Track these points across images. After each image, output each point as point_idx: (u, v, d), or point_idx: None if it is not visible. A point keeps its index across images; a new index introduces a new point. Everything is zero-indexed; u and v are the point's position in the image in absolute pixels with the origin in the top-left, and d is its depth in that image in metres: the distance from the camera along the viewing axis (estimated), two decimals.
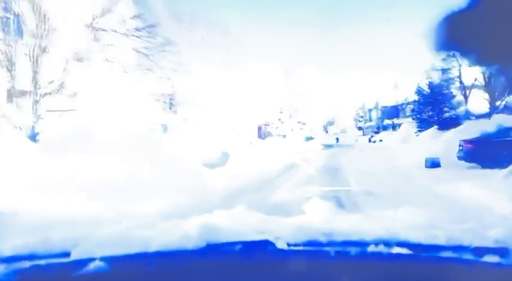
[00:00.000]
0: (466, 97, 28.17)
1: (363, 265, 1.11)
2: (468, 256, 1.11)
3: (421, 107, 29.61)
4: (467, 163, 12.43)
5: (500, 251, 1.11)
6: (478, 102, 27.50)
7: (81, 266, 1.05)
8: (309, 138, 43.21)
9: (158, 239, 1.16)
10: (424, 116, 28.86)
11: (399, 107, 44.99)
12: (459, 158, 12.68)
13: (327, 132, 74.15)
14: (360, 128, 70.79)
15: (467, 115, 27.06)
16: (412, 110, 36.73)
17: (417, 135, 29.54)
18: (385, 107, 49.49)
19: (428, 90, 29.86)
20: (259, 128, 34.62)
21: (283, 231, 1.21)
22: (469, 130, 15.13)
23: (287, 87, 34.42)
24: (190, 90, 20.58)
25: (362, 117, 67.60)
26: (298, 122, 33.80)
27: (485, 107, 26.89)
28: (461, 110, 27.85)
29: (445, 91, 29.60)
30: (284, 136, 33.56)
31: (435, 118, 27.48)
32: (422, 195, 8.22)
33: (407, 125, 32.54)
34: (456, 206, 6.76)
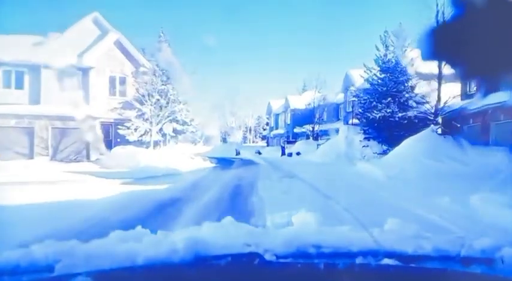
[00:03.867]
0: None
1: (352, 277, 1.09)
2: (455, 266, 1.13)
3: (371, 100, 18.26)
4: None
5: (487, 262, 1.12)
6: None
7: None
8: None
9: (145, 252, 1.13)
10: (378, 114, 17.50)
11: (320, 109, 34.24)
12: None
13: (225, 141, 61.34)
14: (264, 137, 59.45)
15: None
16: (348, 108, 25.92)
17: (365, 145, 18.20)
18: (297, 110, 38.64)
19: (379, 76, 18.83)
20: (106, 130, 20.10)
21: (271, 243, 1.18)
22: None
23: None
24: None
25: (267, 124, 56.16)
26: (172, 120, 20.03)
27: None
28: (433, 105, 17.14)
29: (402, 77, 18.91)
30: (147, 145, 19.54)
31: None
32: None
33: (346, 130, 21.05)
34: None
